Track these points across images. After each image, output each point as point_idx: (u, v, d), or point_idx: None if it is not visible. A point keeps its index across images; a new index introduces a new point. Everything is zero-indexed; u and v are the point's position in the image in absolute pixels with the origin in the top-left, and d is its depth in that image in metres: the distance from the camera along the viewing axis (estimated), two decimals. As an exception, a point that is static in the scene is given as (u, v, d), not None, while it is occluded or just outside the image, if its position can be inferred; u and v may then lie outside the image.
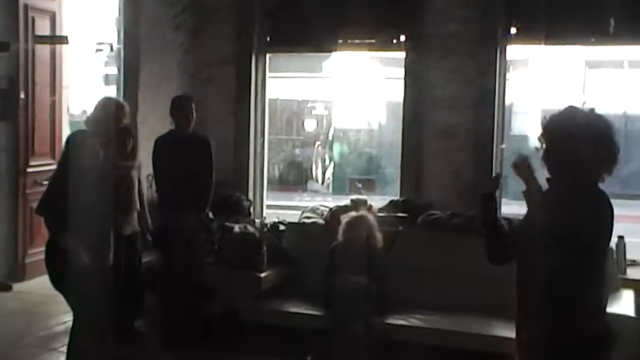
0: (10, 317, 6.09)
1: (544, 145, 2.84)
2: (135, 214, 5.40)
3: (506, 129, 6.50)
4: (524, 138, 10.74)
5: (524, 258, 2.89)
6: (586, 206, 2.74)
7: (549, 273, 2.74)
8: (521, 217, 3.18)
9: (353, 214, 5.62)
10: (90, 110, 5.24)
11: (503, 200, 6.46)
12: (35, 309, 6.03)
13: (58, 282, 4.35)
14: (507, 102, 6.56)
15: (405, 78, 6.57)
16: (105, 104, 5.13)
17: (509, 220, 3.93)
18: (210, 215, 5.60)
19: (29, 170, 7.16)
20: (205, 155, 5.49)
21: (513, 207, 6.77)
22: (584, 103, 2.97)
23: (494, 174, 6.22)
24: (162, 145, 5.50)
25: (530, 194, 2.89)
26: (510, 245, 3.00)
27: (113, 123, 5.09)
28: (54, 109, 7.56)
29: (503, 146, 6.36)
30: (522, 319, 2.97)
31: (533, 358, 2.92)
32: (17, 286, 6.91)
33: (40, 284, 6.02)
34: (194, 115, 5.53)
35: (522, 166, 2.90)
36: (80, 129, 5.20)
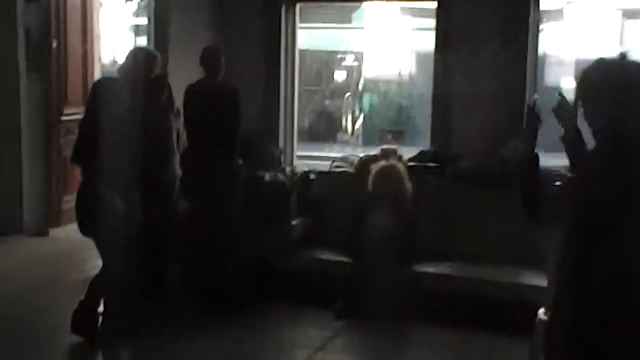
0: (47, 261, 6.28)
1: (581, 103, 2.62)
2: (175, 161, 5.45)
3: (539, 80, 6.40)
4: (557, 89, 10.60)
5: (570, 222, 2.60)
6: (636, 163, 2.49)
7: (600, 237, 2.47)
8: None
9: (383, 163, 5.64)
10: (121, 60, 5.30)
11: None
12: (70, 253, 6.20)
13: (88, 229, 4.45)
14: (540, 53, 6.46)
15: (436, 28, 6.49)
16: (136, 54, 5.16)
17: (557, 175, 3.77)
18: (239, 163, 5.65)
19: (63, 119, 7.28)
20: (234, 105, 5.50)
21: (546, 159, 6.75)
22: (622, 53, 2.73)
23: (525, 124, 6.18)
24: (191, 95, 5.53)
25: (570, 141, 2.69)
26: (553, 203, 2.72)
27: (143, 73, 5.14)
28: (85, 58, 7.62)
29: (536, 97, 6.28)
30: (563, 294, 2.63)
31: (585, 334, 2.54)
32: (53, 232, 7.11)
33: (75, 230, 6.15)
34: (223, 65, 5.54)
35: (563, 107, 2.71)
36: (106, 76, 5.28)
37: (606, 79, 2.57)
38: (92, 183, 4.36)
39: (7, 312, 4.86)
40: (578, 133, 2.72)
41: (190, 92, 5.55)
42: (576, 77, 2.72)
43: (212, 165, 5.39)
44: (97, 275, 4.59)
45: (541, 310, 3.70)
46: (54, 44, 7.17)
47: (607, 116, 2.55)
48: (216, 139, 5.39)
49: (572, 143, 2.74)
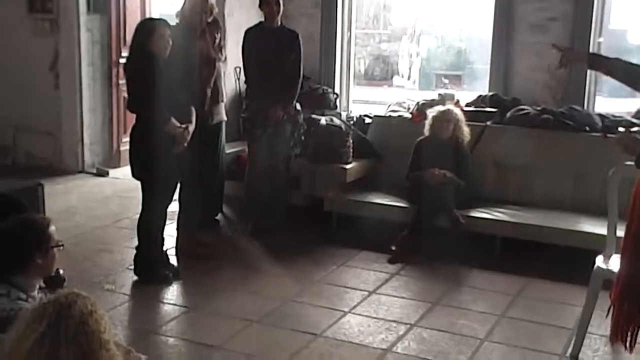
0: (108, 200, 6.46)
1: None
2: (222, 105, 5.50)
3: (605, 22, 6.18)
4: (623, 32, 10.23)
5: None
6: None
7: None
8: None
9: (440, 107, 5.57)
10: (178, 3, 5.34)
11: (597, 97, 6.25)
12: (129, 193, 6.34)
13: (141, 169, 4.49)
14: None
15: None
16: None
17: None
18: (298, 107, 5.65)
19: (121, 61, 7.34)
20: (294, 48, 5.47)
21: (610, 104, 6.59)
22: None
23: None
24: (251, 37, 5.52)
25: None
26: None
27: (201, 16, 5.16)
28: (143, 1, 7.67)
29: (601, 39, 6.08)
30: None
31: None
32: (112, 172, 7.29)
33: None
34: (281, 7, 5.50)
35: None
36: (150, 17, 5.34)
37: None
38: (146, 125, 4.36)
39: (72, 248, 5.03)
40: None
41: (250, 35, 5.53)
42: None
43: (270, 107, 5.40)
44: (141, 220, 4.65)
45: (599, 258, 3.65)
46: (114, -14, 7.25)
47: None
48: (275, 81, 5.39)
49: None
